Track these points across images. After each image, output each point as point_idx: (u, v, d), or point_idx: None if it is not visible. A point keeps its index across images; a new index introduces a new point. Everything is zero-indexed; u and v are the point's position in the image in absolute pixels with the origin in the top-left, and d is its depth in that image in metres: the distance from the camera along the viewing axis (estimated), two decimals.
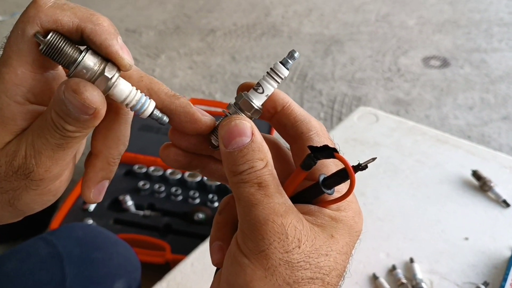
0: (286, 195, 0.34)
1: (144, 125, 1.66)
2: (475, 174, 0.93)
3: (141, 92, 0.35)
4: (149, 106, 0.35)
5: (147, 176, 1.50)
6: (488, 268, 0.80)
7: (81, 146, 0.39)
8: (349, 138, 1.10)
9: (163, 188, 1.44)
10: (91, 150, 0.37)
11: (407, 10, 2.87)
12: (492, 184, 0.91)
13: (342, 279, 0.35)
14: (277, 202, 0.32)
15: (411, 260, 0.80)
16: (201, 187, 1.46)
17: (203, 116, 0.36)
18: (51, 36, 0.32)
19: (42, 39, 0.32)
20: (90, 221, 1.34)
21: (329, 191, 0.34)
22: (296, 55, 0.36)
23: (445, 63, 2.35)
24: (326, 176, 0.35)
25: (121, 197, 1.41)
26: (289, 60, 0.36)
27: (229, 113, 0.36)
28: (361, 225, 0.36)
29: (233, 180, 0.33)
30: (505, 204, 0.89)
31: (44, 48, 0.32)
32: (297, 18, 2.88)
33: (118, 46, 0.32)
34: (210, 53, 2.59)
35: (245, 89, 0.37)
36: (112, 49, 0.32)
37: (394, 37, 2.61)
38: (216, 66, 2.46)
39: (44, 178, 0.34)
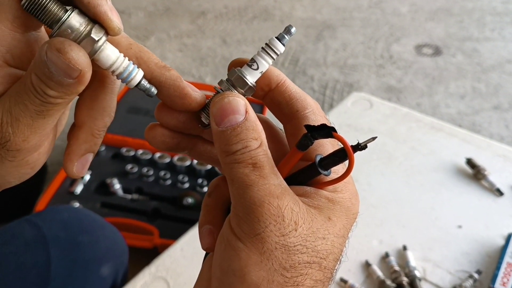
0: (281, 177, 0.32)
1: (132, 107, 1.63)
2: (469, 162, 0.93)
3: (129, 60, 0.32)
4: (137, 75, 0.32)
5: (135, 160, 1.47)
6: (481, 256, 0.79)
7: (63, 117, 0.36)
8: (343, 124, 1.08)
9: (151, 172, 1.42)
10: (75, 121, 0.35)
11: None
12: (486, 173, 0.91)
13: (339, 263, 0.33)
14: (272, 184, 0.31)
15: (404, 248, 0.79)
16: (191, 171, 1.44)
17: (193, 92, 0.34)
18: None
19: None
20: (77, 204, 1.31)
21: (325, 172, 0.33)
22: (292, 30, 0.34)
23: (437, 51, 2.34)
24: (322, 156, 0.33)
25: (108, 181, 1.38)
26: (286, 36, 0.34)
27: (221, 89, 0.34)
28: (357, 207, 0.35)
29: (226, 161, 0.31)
30: (499, 192, 0.89)
31: (27, 3, 0.29)
32: (289, 2, 2.84)
33: (107, 6, 0.30)
34: (200, 35, 2.54)
35: (238, 65, 0.35)
36: (100, 9, 0.30)
37: (387, 24, 2.58)
38: (206, 49, 2.43)
39: (22, 148, 0.31)
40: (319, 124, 0.32)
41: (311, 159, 0.33)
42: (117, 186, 1.38)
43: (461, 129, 1.07)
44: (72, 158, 0.34)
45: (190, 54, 2.39)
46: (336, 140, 0.32)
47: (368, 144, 0.32)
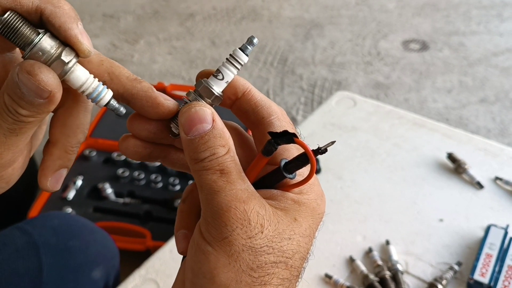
0: (248, 181, 0.34)
1: None
2: (450, 156, 0.95)
3: (100, 79, 0.34)
4: (106, 95, 0.34)
5: (126, 164, 1.48)
6: (461, 248, 0.82)
7: (40, 132, 0.38)
8: (327, 123, 1.10)
9: (142, 175, 1.43)
10: (49, 137, 0.37)
11: None
12: (466, 167, 0.93)
13: (305, 261, 0.35)
14: (239, 189, 0.32)
15: (387, 242, 0.82)
16: (181, 173, 1.46)
17: (166, 100, 0.35)
18: (8, 15, 0.31)
19: None
20: (69, 210, 1.33)
21: (290, 176, 0.35)
22: (255, 41, 0.36)
23: (424, 47, 2.36)
24: (287, 160, 0.35)
25: (100, 185, 1.40)
26: (248, 46, 0.36)
27: (189, 100, 0.36)
28: (323, 207, 0.37)
29: (195, 168, 0.33)
30: (479, 185, 0.91)
31: (0, 26, 0.31)
32: (277, 2, 2.86)
33: (78, 30, 0.32)
34: (189, 38, 2.56)
35: (204, 76, 0.37)
36: (71, 32, 0.31)
37: (374, 21, 2.61)
38: (196, 51, 2.44)
39: None
40: (282, 130, 0.34)
41: (277, 163, 0.35)
42: (109, 190, 1.39)
43: (443, 124, 1.10)
44: (46, 174, 0.36)
45: (180, 57, 2.41)
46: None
47: (333, 142, 0.34)
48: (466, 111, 1.94)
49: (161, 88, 1.80)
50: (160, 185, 1.42)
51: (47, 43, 0.31)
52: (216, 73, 0.36)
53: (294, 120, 1.96)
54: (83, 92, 0.33)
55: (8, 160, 0.33)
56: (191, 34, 2.58)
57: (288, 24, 2.63)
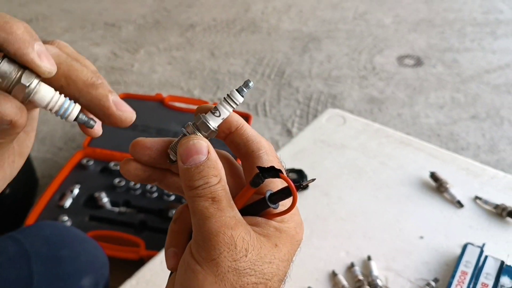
0: (236, 209, 0.37)
1: None
2: (433, 176, 0.99)
3: (57, 84, 0.34)
4: (73, 110, 0.35)
5: None
6: (440, 265, 0.85)
7: (28, 140, 0.41)
8: (317, 140, 1.14)
9: (138, 185, 1.47)
10: None
11: (384, 8, 2.92)
12: (448, 186, 0.97)
13: (283, 283, 0.39)
14: (228, 216, 0.36)
15: (369, 258, 0.85)
16: None
17: (118, 111, 0.36)
18: None
19: None
20: (65, 218, 1.36)
21: (274, 206, 0.39)
22: (250, 84, 0.39)
23: (418, 62, 2.41)
24: (272, 192, 0.39)
25: (96, 194, 1.44)
26: (244, 89, 0.39)
27: (188, 132, 0.39)
28: (301, 235, 0.41)
29: (189, 194, 0.37)
30: (459, 204, 0.95)
31: None
32: (276, 14, 2.91)
33: (34, 53, 0.32)
34: (189, 48, 2.60)
35: (203, 111, 0.40)
36: (27, 57, 0.32)
37: (371, 36, 2.66)
38: (195, 62, 2.49)
39: None
40: (269, 165, 0.38)
41: (263, 193, 0.39)
42: (105, 199, 1.43)
43: (428, 144, 1.13)
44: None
45: (179, 67, 2.45)
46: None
47: (313, 179, 0.39)
48: (457, 127, 1.98)
49: (159, 100, 1.84)
50: (155, 195, 1.46)
51: (5, 68, 0.32)
52: (214, 110, 0.40)
53: (289, 132, 2.00)
54: (50, 110, 0.34)
55: None
56: (191, 45, 2.63)
57: (286, 37, 2.68)
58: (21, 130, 0.34)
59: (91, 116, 0.36)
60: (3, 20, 0.32)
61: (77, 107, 0.35)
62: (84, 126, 0.36)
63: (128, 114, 0.36)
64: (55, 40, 0.37)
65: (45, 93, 0.33)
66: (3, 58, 0.32)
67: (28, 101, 0.33)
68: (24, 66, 0.32)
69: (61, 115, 0.34)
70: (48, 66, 0.33)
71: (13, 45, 0.32)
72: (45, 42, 0.36)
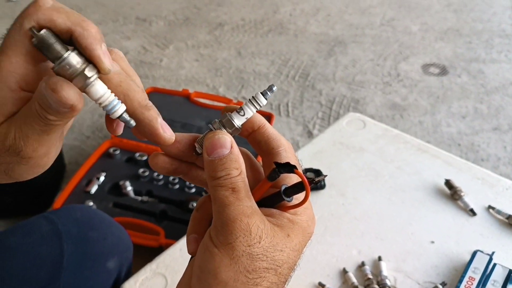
0: (253, 200, 0.41)
1: None
2: (448, 183, 1.01)
3: (115, 96, 0.39)
4: (119, 109, 0.39)
5: (147, 164, 1.57)
6: (448, 269, 0.88)
7: (65, 128, 0.45)
8: (336, 142, 1.17)
9: (161, 176, 1.52)
10: None
11: (412, 15, 2.92)
12: (462, 194, 0.99)
13: (292, 271, 0.42)
14: (245, 205, 0.39)
15: (379, 258, 0.88)
16: None
17: (164, 133, 0.41)
18: (44, 32, 0.36)
19: (36, 33, 0.36)
20: (91, 203, 1.42)
21: (288, 199, 0.42)
22: (274, 88, 0.43)
23: (443, 71, 2.41)
24: (287, 186, 0.42)
25: (121, 182, 1.50)
26: (268, 92, 0.43)
27: (214, 127, 0.43)
28: (313, 228, 0.44)
29: (212, 184, 0.40)
30: (472, 212, 0.97)
31: (36, 41, 0.36)
32: (304, 17, 2.94)
33: (101, 51, 0.37)
34: (217, 46, 2.65)
35: (229, 110, 0.44)
36: (94, 52, 0.37)
37: (397, 42, 2.66)
38: (222, 60, 2.53)
39: (32, 156, 0.40)
40: (285, 162, 0.42)
41: (278, 187, 0.43)
42: (129, 188, 1.49)
43: (445, 152, 1.15)
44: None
45: (206, 64, 2.50)
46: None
47: (325, 176, 0.43)
48: (478, 138, 1.98)
49: (185, 95, 1.89)
50: (177, 186, 1.51)
51: (74, 59, 0.36)
52: (239, 110, 0.44)
53: (310, 134, 2.03)
54: (100, 104, 0.38)
55: (43, 153, 0.40)
56: (219, 43, 2.68)
57: (313, 39, 2.70)
58: (77, 114, 0.38)
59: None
60: (81, 18, 0.37)
61: (123, 107, 0.39)
62: (110, 123, 0.42)
63: (170, 136, 0.42)
64: (114, 49, 0.41)
65: (100, 88, 0.38)
66: (73, 50, 0.37)
67: (83, 92, 0.37)
68: (89, 61, 0.37)
69: (108, 110, 0.38)
70: (109, 65, 0.37)
71: (86, 40, 0.36)
72: None
